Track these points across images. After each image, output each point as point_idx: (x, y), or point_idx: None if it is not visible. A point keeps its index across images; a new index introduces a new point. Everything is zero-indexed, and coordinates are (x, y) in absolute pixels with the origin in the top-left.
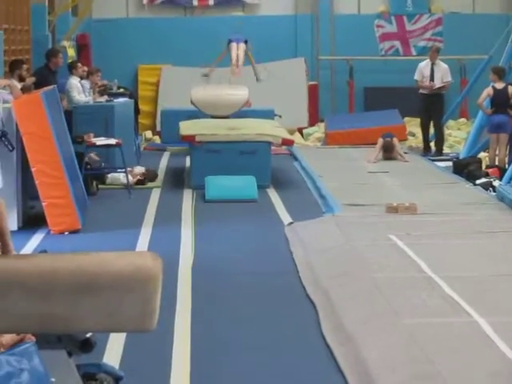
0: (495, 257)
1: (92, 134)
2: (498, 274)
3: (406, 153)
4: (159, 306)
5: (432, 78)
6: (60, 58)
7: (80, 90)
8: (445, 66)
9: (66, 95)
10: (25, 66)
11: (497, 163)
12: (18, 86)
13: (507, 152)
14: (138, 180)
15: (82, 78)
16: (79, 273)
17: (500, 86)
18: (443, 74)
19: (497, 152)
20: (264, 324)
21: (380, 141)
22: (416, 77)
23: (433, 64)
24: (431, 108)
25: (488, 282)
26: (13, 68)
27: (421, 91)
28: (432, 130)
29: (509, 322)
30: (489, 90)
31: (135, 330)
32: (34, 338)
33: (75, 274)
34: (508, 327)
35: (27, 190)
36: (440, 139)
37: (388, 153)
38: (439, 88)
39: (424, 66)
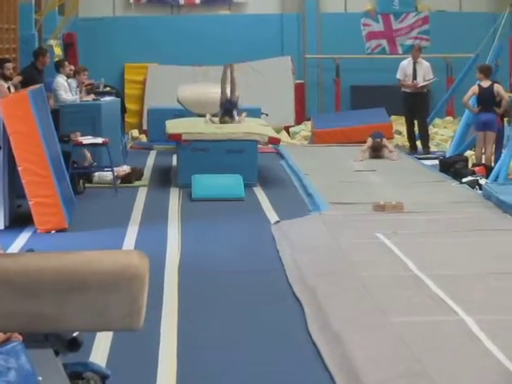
0: (482, 255)
1: (79, 133)
2: (484, 272)
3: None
4: (146, 304)
5: (415, 77)
6: (48, 57)
7: (67, 89)
8: (427, 64)
9: (53, 94)
10: (9, 65)
11: (483, 161)
12: (5, 85)
13: (493, 150)
14: (124, 178)
15: (68, 76)
16: (66, 272)
17: (486, 84)
18: (425, 73)
19: (483, 150)
20: (250, 322)
21: (369, 140)
22: (398, 76)
23: (415, 62)
24: (415, 107)
25: (475, 280)
26: None
27: (403, 90)
28: (416, 129)
29: (495, 319)
30: (474, 89)
31: (122, 329)
32: (20, 337)
33: (62, 273)
34: (494, 325)
35: (14, 189)
36: (425, 137)
37: (376, 152)
38: (422, 86)
39: (406, 64)
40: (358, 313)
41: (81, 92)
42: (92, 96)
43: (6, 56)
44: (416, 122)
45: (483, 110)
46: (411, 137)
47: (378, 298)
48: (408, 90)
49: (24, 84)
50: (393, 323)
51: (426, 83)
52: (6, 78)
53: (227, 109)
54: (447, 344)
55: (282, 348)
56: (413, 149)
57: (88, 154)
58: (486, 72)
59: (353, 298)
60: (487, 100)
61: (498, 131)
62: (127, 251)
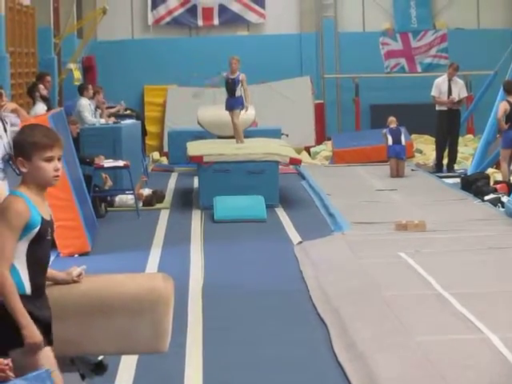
0: (505, 273)
1: (103, 157)
2: (508, 290)
3: (413, 170)
4: (171, 327)
5: (450, 94)
6: (47, 80)
7: (92, 111)
8: (461, 81)
9: (78, 116)
10: (41, 87)
11: (509, 178)
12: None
13: None
14: (146, 201)
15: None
16: (90, 295)
17: None
18: (460, 90)
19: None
20: (275, 343)
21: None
22: (433, 93)
23: (450, 80)
24: (450, 125)
25: (499, 298)
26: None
27: (438, 108)
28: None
29: None
30: (505, 105)
31: (147, 351)
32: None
33: (87, 296)
34: None
35: None
36: (455, 156)
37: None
38: (458, 103)
39: (441, 82)
40: (382, 332)
41: (102, 112)
42: (112, 119)
43: (26, 80)
44: (448, 140)
45: (511, 127)
46: (441, 156)
47: (402, 317)
48: (443, 108)
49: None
50: (418, 342)
51: (462, 98)
52: (44, 99)
53: (229, 86)
54: (473, 362)
55: (308, 369)
56: (438, 168)
57: (108, 177)
58: (509, 88)
59: (377, 318)
60: None
61: None
62: (152, 274)
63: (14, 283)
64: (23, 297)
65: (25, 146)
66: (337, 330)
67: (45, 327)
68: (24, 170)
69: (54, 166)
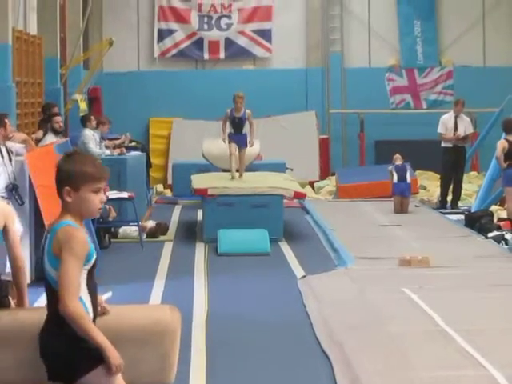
0: (509, 309)
1: (107, 188)
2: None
3: (417, 206)
4: (177, 359)
5: (456, 130)
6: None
7: (96, 142)
8: (467, 118)
9: (83, 147)
10: (58, 118)
11: None
12: (54, 139)
13: None
14: (150, 233)
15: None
16: (98, 326)
17: None
18: (466, 127)
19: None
20: (279, 378)
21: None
22: (440, 130)
23: (456, 117)
24: (455, 162)
25: (502, 334)
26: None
27: (443, 145)
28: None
29: None
30: (503, 143)
31: (153, 382)
32: None
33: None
34: None
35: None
36: (460, 193)
37: (401, 207)
38: (463, 140)
39: (447, 118)
40: (386, 368)
41: (113, 147)
42: (118, 150)
43: (31, 110)
44: (453, 177)
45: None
46: (445, 193)
47: (406, 353)
48: (449, 145)
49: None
50: (422, 378)
51: (468, 134)
52: (56, 132)
53: (236, 124)
54: None
55: None
56: (443, 204)
57: (112, 208)
58: (508, 127)
59: (381, 353)
60: None
61: None
62: (159, 306)
63: (84, 311)
64: None
65: (74, 176)
66: (340, 365)
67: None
68: (69, 199)
69: (101, 198)
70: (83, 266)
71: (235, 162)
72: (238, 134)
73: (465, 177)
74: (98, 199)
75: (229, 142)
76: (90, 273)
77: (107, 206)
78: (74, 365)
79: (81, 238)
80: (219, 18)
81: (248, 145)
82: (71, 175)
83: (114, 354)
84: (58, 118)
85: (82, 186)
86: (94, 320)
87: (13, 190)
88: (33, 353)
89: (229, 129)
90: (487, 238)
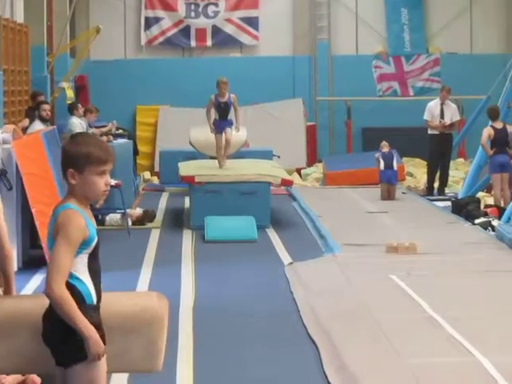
0: (496, 296)
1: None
2: (498, 314)
3: (404, 193)
4: (165, 346)
5: (442, 118)
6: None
7: (83, 130)
8: (454, 105)
9: (69, 135)
10: (46, 106)
11: (502, 203)
12: (42, 126)
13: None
14: (137, 220)
15: (79, 117)
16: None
17: (499, 125)
18: (453, 114)
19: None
20: (266, 365)
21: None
22: (426, 117)
23: (442, 104)
24: (442, 148)
25: (489, 321)
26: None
27: (430, 132)
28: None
29: (511, 361)
30: (489, 130)
31: (141, 370)
32: (38, 379)
33: None
34: (511, 366)
35: (29, 231)
36: (446, 180)
37: (388, 194)
38: (450, 127)
39: (434, 105)
40: (373, 354)
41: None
42: (104, 138)
43: (18, 98)
44: (440, 164)
45: (498, 152)
46: (432, 180)
47: (393, 340)
48: (435, 132)
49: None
50: (409, 365)
51: (453, 121)
52: (43, 119)
53: (221, 109)
54: None
55: None
56: (430, 191)
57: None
58: (493, 114)
59: (368, 340)
60: (501, 141)
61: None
62: (146, 293)
63: (69, 296)
64: (91, 307)
65: (78, 158)
66: (327, 352)
67: (103, 337)
68: (73, 181)
69: (106, 180)
70: (82, 250)
71: (222, 155)
72: (223, 120)
73: (452, 163)
74: (102, 182)
75: (215, 133)
76: (93, 257)
77: None
78: (66, 351)
79: (78, 222)
80: (206, 6)
81: (235, 130)
82: (75, 157)
83: (94, 341)
84: (46, 106)
85: (86, 168)
86: (98, 303)
87: (1, 175)
88: (30, 341)
89: (214, 115)
90: (474, 224)
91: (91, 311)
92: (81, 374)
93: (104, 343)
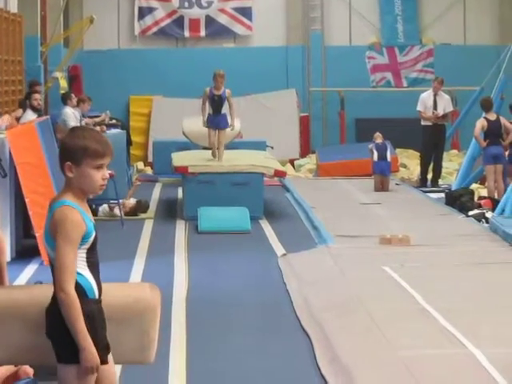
0: (489, 288)
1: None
2: (491, 306)
3: (397, 184)
4: (157, 337)
5: (435, 109)
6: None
7: (77, 120)
8: (447, 96)
9: (63, 125)
10: (37, 96)
11: (496, 194)
12: (34, 115)
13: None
14: (130, 211)
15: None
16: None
17: (492, 117)
18: (446, 105)
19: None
20: (259, 356)
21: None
22: (419, 108)
23: (435, 95)
24: (435, 140)
25: (482, 313)
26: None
27: (423, 123)
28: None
29: (504, 352)
30: (482, 122)
31: (134, 361)
32: (31, 370)
33: None
34: (503, 358)
35: (23, 221)
36: (440, 171)
37: (382, 185)
38: (443, 118)
39: (427, 96)
40: (366, 346)
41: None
42: (98, 128)
43: (12, 88)
44: (433, 155)
45: (492, 143)
46: (426, 171)
47: (386, 331)
48: (428, 123)
49: None
50: (401, 356)
51: (446, 112)
52: (34, 109)
53: (215, 103)
54: (457, 377)
55: (291, 381)
56: (423, 183)
57: None
58: (486, 105)
59: (361, 332)
60: (495, 133)
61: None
62: (139, 284)
63: (78, 301)
64: (93, 301)
65: (75, 151)
66: (320, 343)
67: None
68: (70, 174)
69: (103, 174)
70: (81, 245)
71: (215, 149)
72: (217, 115)
73: (445, 155)
74: (99, 176)
75: (208, 128)
76: (92, 251)
77: None
78: (65, 348)
79: (75, 220)
80: None
81: (229, 127)
82: (73, 149)
83: (89, 355)
84: (37, 96)
85: (83, 161)
86: (99, 297)
87: None
88: (21, 332)
89: (208, 109)
90: (468, 216)
91: (93, 305)
92: (69, 376)
93: (108, 350)
